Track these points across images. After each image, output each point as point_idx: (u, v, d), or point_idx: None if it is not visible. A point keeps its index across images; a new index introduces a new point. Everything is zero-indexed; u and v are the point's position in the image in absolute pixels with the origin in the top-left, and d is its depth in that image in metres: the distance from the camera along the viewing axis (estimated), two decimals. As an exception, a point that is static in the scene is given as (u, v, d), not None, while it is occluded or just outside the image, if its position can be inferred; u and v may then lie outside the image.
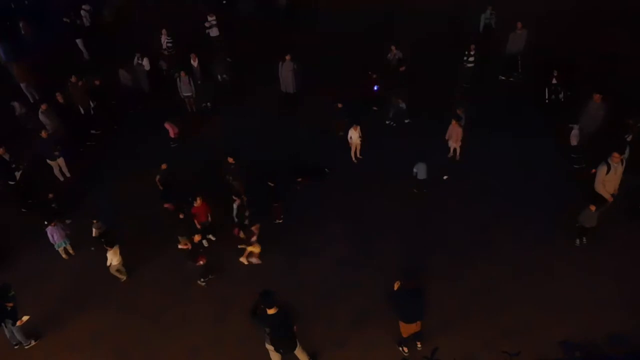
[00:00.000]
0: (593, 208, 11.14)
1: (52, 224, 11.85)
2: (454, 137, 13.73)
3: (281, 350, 9.08)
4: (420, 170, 12.87)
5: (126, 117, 16.85)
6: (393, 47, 16.62)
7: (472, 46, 16.20)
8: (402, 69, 15.82)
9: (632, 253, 11.19)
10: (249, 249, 11.66)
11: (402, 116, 15.47)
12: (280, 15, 21.26)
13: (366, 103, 16.01)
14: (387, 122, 15.59)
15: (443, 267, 11.28)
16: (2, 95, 17.87)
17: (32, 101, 17.64)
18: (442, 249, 11.69)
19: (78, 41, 19.98)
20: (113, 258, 11.36)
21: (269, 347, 9.07)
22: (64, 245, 12.23)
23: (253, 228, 11.58)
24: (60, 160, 14.50)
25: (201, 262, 11.30)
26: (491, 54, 16.97)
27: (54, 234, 11.97)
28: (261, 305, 8.49)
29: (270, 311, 8.44)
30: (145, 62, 17.43)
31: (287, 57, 16.09)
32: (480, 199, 12.80)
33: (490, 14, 17.86)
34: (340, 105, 14.88)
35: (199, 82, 17.30)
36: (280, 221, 12.78)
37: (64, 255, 12.29)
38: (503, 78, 17.08)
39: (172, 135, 15.51)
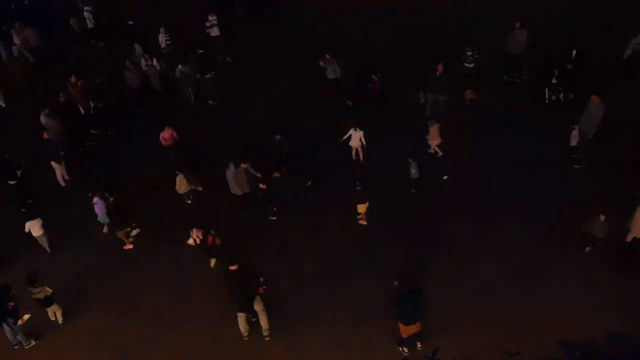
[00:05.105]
0: (603, 218, 10.88)
1: (97, 195, 12.34)
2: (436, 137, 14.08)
3: (235, 307, 9.98)
4: (414, 169, 12.94)
5: (126, 117, 16.84)
6: (327, 56, 16.35)
7: (467, 47, 16.12)
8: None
9: (632, 253, 11.16)
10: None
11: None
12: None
13: (369, 103, 15.95)
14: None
15: (443, 267, 11.29)
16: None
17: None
18: (442, 249, 11.69)
19: None
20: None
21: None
22: (105, 220, 12.60)
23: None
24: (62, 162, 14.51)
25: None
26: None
27: (99, 207, 12.38)
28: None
29: (232, 267, 9.63)
30: (156, 63, 17.51)
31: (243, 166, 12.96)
32: (480, 199, 12.79)
33: None
34: (349, 103, 14.85)
35: (199, 75, 17.25)
36: (274, 218, 12.81)
37: (104, 230, 12.74)
38: (507, 78, 17.02)
39: (167, 143, 14.74)
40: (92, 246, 12.43)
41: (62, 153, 14.46)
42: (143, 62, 17.46)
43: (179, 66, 16.90)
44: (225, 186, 12.99)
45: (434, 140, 14.17)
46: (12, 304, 10.13)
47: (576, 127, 13.31)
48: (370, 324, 10.33)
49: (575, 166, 13.49)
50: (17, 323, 10.31)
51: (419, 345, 9.82)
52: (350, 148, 14.32)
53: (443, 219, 12.42)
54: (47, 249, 12.46)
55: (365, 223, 12.56)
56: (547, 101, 15.65)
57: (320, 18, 20.21)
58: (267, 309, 10.26)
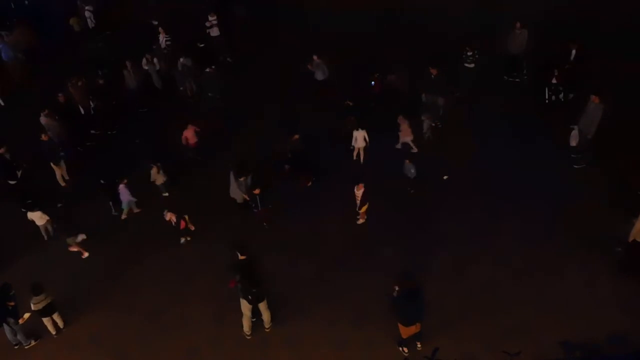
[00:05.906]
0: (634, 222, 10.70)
1: (124, 182, 12.81)
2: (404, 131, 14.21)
3: (248, 297, 9.95)
4: (408, 169, 12.98)
5: (126, 117, 16.83)
6: (315, 58, 16.26)
7: (467, 47, 16.12)
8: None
9: (632, 253, 11.15)
10: None
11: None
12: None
13: (372, 103, 15.93)
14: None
15: (443, 267, 11.29)
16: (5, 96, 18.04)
17: None
18: (442, 249, 11.70)
19: None
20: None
21: (242, 300, 10.04)
22: (128, 207, 13.16)
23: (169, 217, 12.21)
24: (62, 163, 14.48)
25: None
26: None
27: (124, 193, 12.90)
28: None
29: (241, 257, 9.81)
30: (156, 61, 17.52)
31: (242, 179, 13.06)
32: (480, 199, 12.78)
33: None
34: (350, 103, 14.82)
35: (200, 71, 17.23)
36: (272, 219, 12.79)
37: (124, 216, 13.18)
38: (507, 78, 17.00)
39: (191, 142, 14.57)
40: (92, 246, 12.40)
41: (62, 153, 14.47)
42: (144, 60, 17.46)
43: (181, 59, 16.94)
44: (223, 185, 12.98)
45: (407, 136, 14.22)
46: (12, 303, 10.13)
47: (576, 127, 13.31)
48: (370, 324, 10.33)
49: (575, 166, 13.48)
50: (18, 322, 10.30)
51: (419, 345, 9.83)
52: (353, 148, 14.32)
53: (443, 219, 12.42)
54: (45, 238, 12.69)
55: (364, 223, 12.56)
56: (547, 101, 15.64)
57: (321, 18, 20.19)
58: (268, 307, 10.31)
